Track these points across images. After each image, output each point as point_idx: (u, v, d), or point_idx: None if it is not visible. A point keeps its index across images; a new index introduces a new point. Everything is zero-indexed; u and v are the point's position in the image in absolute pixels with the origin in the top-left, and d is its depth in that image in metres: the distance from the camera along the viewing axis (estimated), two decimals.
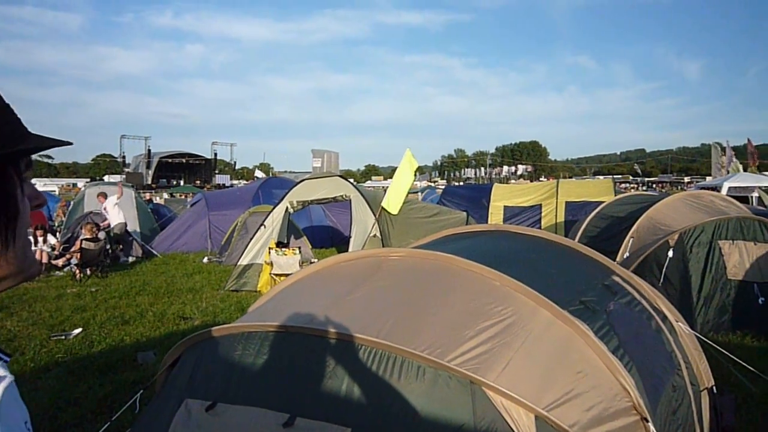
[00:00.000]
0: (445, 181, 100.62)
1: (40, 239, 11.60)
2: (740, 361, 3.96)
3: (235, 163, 75.93)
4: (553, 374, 2.14)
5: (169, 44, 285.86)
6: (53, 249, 11.80)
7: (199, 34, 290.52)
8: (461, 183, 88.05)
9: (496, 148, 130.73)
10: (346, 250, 10.65)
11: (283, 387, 2.10)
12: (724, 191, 20.70)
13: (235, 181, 62.17)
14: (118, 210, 12.81)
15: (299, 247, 9.90)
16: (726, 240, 7.11)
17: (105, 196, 12.91)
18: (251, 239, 10.25)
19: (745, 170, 39.28)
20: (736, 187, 21.77)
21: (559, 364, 2.22)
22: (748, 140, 48.33)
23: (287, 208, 10.37)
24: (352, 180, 12.11)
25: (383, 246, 9.71)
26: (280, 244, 10.69)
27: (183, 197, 34.25)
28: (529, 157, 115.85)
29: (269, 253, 9.48)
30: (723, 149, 45.20)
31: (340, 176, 11.00)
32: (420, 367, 1.99)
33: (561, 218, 12.63)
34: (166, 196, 37.07)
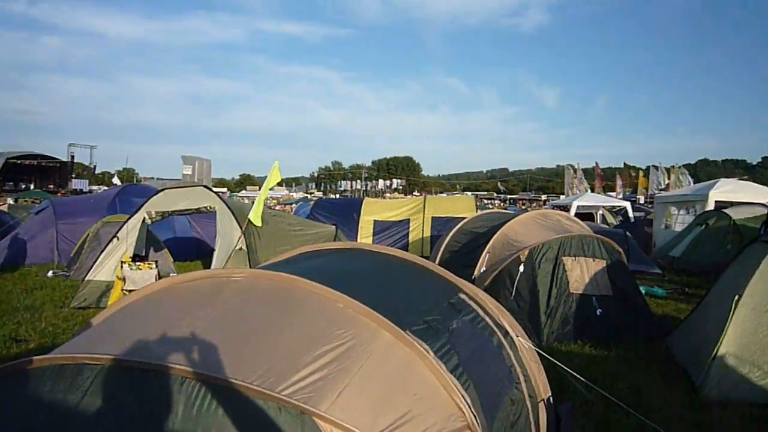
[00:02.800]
0: (321, 192, 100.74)
1: None
2: (572, 372, 4.25)
3: (94, 167, 70.41)
4: (389, 399, 2.13)
5: (20, 34, 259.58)
6: None
7: (57, 25, 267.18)
8: (337, 195, 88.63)
9: (372, 162, 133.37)
10: (210, 264, 10.19)
11: (96, 428, 1.88)
12: (573, 209, 22.68)
13: (94, 187, 57.62)
14: None
15: (156, 261, 9.28)
16: (569, 256, 7.72)
17: None
18: (102, 252, 9.46)
19: (592, 191, 43.45)
20: (583, 206, 23.94)
21: (397, 387, 2.21)
22: (596, 164, 53.49)
23: (144, 218, 9.71)
24: (225, 189, 11.66)
25: (249, 259, 9.41)
26: (136, 258, 9.98)
27: (31, 203, 31.06)
28: (404, 172, 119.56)
29: (122, 267, 8.79)
30: (575, 171, 49.67)
31: (204, 186, 10.52)
32: (249, 400, 1.88)
33: (428, 233, 13.07)
34: (10, 201, 33.38)
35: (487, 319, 3.48)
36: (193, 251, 14.54)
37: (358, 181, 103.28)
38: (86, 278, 9.24)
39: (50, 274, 11.87)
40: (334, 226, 11.02)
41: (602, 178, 52.15)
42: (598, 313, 7.48)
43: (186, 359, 1.98)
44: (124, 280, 8.67)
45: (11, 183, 54.57)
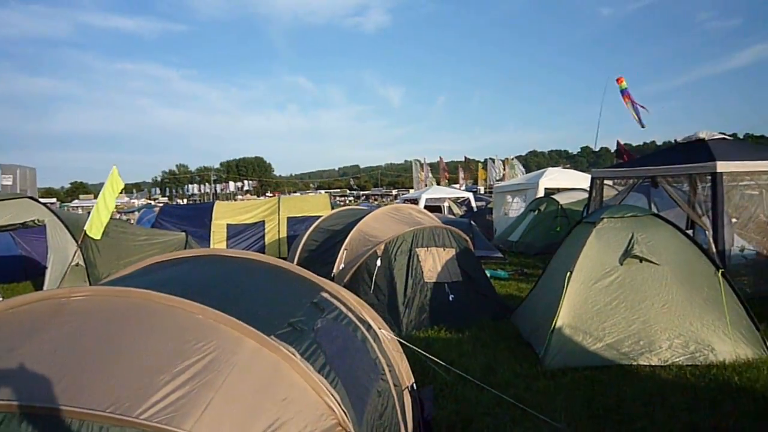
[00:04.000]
0: (167, 198, 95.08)
1: None
2: (431, 357, 4.46)
3: None
4: (257, 408, 2.07)
5: None
6: None
7: None
8: (186, 200, 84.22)
9: (221, 164, 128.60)
10: (43, 283, 9.15)
11: None
12: (422, 202, 23.74)
13: None
14: None
15: None
16: (422, 247, 8.08)
17: None
18: None
19: (438, 184, 45.83)
20: (431, 198, 25.16)
21: (265, 395, 2.16)
22: (440, 158, 56.49)
23: None
24: (54, 200, 10.51)
25: (88, 275, 8.61)
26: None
27: None
28: (255, 173, 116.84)
29: None
30: (421, 165, 52.01)
31: (29, 197, 9.42)
32: (104, 428, 1.72)
33: (284, 233, 12.91)
34: None
35: (350, 315, 3.53)
36: (21, 271, 12.99)
37: (207, 184, 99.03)
38: None
39: None
40: (183, 233, 10.46)
41: (447, 172, 55.23)
42: (450, 299, 7.92)
43: (21, 393, 1.76)
44: None
45: None
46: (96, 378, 1.89)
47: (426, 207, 23.35)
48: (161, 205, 36.77)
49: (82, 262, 8.69)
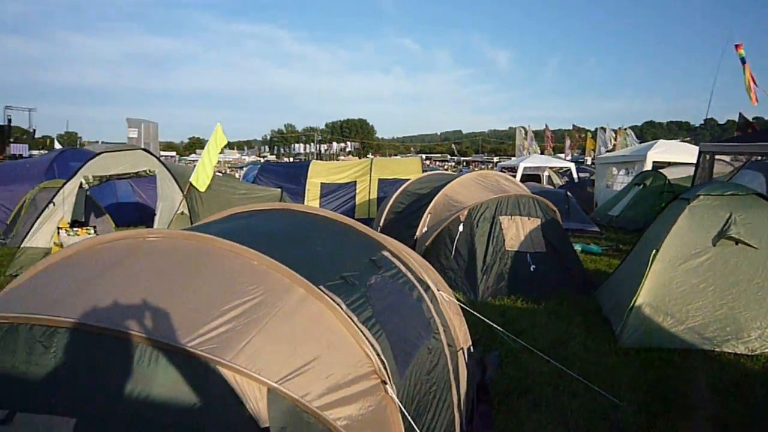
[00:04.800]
0: (274, 156, 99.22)
1: None
2: (493, 324, 4.49)
3: (34, 130, 67.07)
4: (297, 348, 2.25)
5: None
6: None
7: None
8: (291, 158, 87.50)
9: (326, 125, 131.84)
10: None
11: (4, 382, 1.94)
12: (520, 171, 23.19)
13: (35, 152, 55.02)
14: None
15: (94, 227, 9.13)
16: (505, 215, 8.00)
17: None
18: (38, 218, 9.22)
19: (542, 152, 44.31)
20: (530, 167, 24.49)
21: (306, 337, 2.34)
22: (546, 126, 54.36)
23: (81, 183, 9.48)
24: (173, 153, 11.40)
25: (191, 224, 9.34)
26: (75, 224, 9.79)
27: None
28: (358, 135, 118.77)
29: (58, 233, 8.60)
30: (525, 133, 50.44)
31: (143, 149, 10.29)
32: (156, 351, 1.97)
33: (374, 195, 13.19)
34: None
35: (409, 274, 3.64)
36: (137, 216, 14.28)
37: (312, 144, 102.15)
38: (22, 245, 9.01)
39: None
40: (279, 190, 11.00)
41: (552, 140, 53.17)
42: (531, 269, 7.81)
43: (95, 316, 2.04)
44: (61, 246, 8.51)
45: None
46: (156, 308, 2.15)
47: (524, 176, 22.80)
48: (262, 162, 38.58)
49: (186, 211, 9.41)
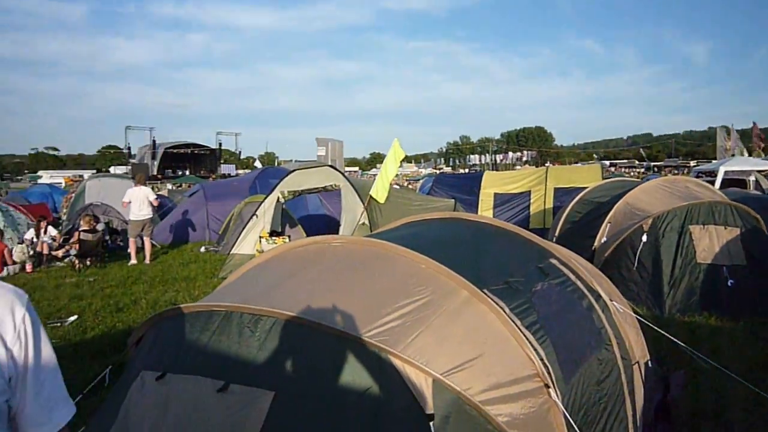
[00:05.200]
0: (450, 168, 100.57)
1: (42, 231, 11.96)
2: (676, 340, 4.19)
3: (240, 152, 76.12)
4: (459, 346, 2.41)
5: (171, 34, 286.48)
6: (53, 240, 12.15)
7: (201, 22, 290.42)
8: (466, 170, 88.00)
9: (501, 134, 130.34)
10: None
11: (221, 358, 2.38)
12: (719, 176, 20.81)
13: (240, 171, 62.34)
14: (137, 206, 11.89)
15: (289, 236, 10.20)
16: (697, 225, 7.33)
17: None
18: (244, 228, 10.56)
19: (750, 154, 39.15)
20: (732, 171, 21.84)
21: (468, 336, 2.49)
22: (754, 123, 47.97)
23: (278, 198, 10.66)
24: (356, 168, 12.32)
25: (371, 232, 9.99)
26: (273, 233, 11.00)
27: (188, 187, 34.61)
28: (535, 143, 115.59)
29: (260, 242, 9.78)
30: (728, 132, 45.02)
31: (330, 166, 11.26)
32: (337, 340, 2.27)
33: (549, 204, 12.85)
34: (169, 186, 37.42)
35: (579, 283, 3.60)
36: (324, 227, 15.53)
37: (487, 154, 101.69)
38: (231, 252, 10.39)
39: (203, 249, 13.41)
40: (453, 200, 11.28)
41: (762, 140, 46.76)
42: (728, 284, 7.06)
43: (289, 307, 2.41)
44: (262, 252, 9.66)
45: (169, 170, 60.82)
46: (338, 303, 2.46)
47: (725, 181, 20.41)
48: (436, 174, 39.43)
49: (367, 221, 10.10)
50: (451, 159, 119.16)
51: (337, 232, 10.50)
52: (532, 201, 13.10)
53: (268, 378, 2.24)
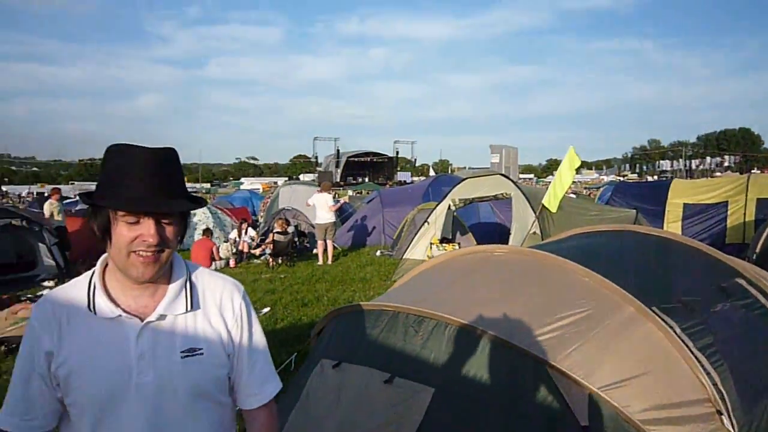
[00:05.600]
0: (636, 174, 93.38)
1: (243, 232, 13.61)
2: None
3: (415, 160, 78.67)
4: (621, 362, 2.37)
5: (354, 50, 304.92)
6: (252, 240, 13.74)
7: (382, 37, 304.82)
8: (655, 177, 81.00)
9: (698, 137, 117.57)
10: None
11: (387, 353, 2.63)
12: None
13: (415, 178, 64.32)
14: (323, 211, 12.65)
15: (459, 243, 10.40)
16: None
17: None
18: (416, 234, 10.99)
19: None
20: None
21: (630, 354, 2.43)
22: None
23: (450, 205, 10.92)
24: (532, 176, 12.20)
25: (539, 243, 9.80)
26: (444, 240, 11.30)
27: (367, 194, 36.67)
28: (738, 146, 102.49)
29: (431, 248, 10.11)
30: None
31: (501, 174, 11.25)
32: (494, 346, 2.38)
33: (750, 217, 11.40)
34: (350, 193, 39.92)
35: None
36: (496, 235, 15.44)
37: (680, 160, 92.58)
38: (403, 257, 10.87)
39: (378, 253, 14.17)
40: (634, 211, 10.58)
41: None
42: None
43: (450, 311, 2.58)
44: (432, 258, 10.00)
45: (350, 177, 64.85)
46: (497, 310, 2.57)
47: None
48: (631, 182, 36.83)
49: (538, 231, 9.91)
50: (637, 165, 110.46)
51: (507, 241, 10.46)
52: (729, 213, 11.73)
53: (429, 375, 2.43)
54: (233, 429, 1.55)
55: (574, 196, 14.63)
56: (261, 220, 19.12)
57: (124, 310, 1.34)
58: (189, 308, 1.40)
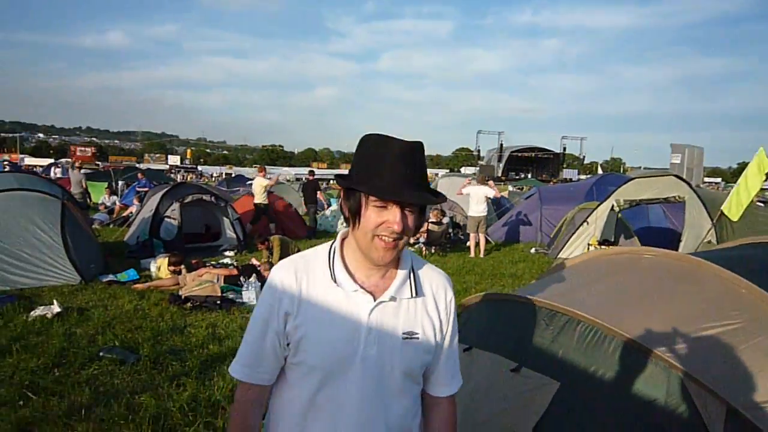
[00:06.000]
0: None
1: None
2: None
3: (583, 157, 74.75)
4: (766, 383, 2.17)
5: (525, 42, 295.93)
6: None
7: (556, 28, 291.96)
8: None
9: None
10: None
11: (517, 343, 2.67)
12: None
13: (582, 176, 61.19)
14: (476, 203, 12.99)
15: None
16: None
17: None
18: (573, 234, 10.57)
19: None
20: None
21: None
22: None
23: (613, 206, 10.33)
24: (719, 180, 11.13)
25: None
26: (605, 242, 10.74)
27: (528, 190, 35.71)
28: None
29: (588, 249, 9.66)
30: None
31: (675, 176, 10.37)
32: (627, 347, 2.31)
33: None
34: (510, 188, 39.16)
35: None
36: (665, 241, 14.21)
37: None
38: (558, 255, 10.52)
39: (533, 250, 13.83)
40: None
41: None
42: None
43: (583, 309, 2.54)
44: None
45: (513, 173, 63.47)
46: (635, 313, 2.48)
47: None
48: None
49: (714, 240, 9.03)
50: None
51: (677, 249, 9.64)
52: None
53: (556, 369, 2.43)
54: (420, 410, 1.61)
55: (762, 204, 12.99)
56: None
57: (361, 286, 1.44)
58: (414, 294, 1.48)
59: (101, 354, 5.23)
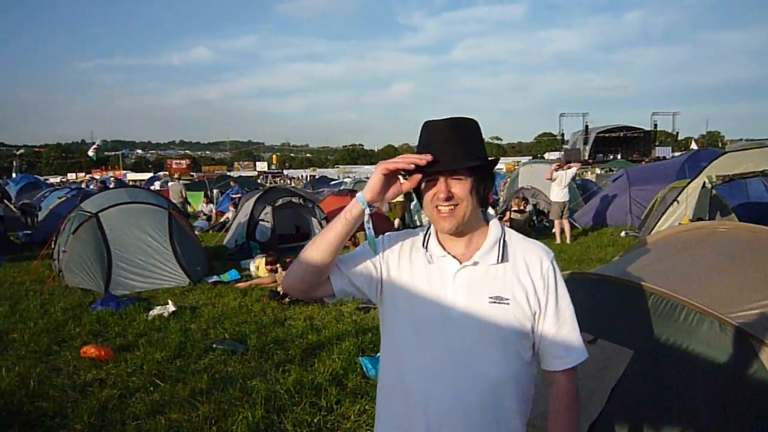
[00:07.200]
0: None
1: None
2: None
3: (677, 133, 70.64)
4: None
5: (605, 16, 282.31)
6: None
7: None
8: None
9: None
10: None
11: (593, 315, 2.83)
12: None
13: (676, 153, 57.87)
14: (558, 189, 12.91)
15: None
16: None
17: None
18: (663, 214, 10.26)
19: None
20: None
21: None
22: None
23: (705, 182, 9.93)
24: None
25: None
26: (698, 221, 10.34)
27: (616, 171, 34.40)
28: None
29: None
30: None
31: None
32: (700, 316, 2.43)
33: None
34: (598, 171, 37.85)
35: None
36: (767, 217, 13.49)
37: None
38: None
39: (623, 234, 13.48)
40: None
41: None
42: None
43: (654, 281, 2.67)
44: None
45: (600, 155, 60.95)
46: (706, 282, 2.59)
47: None
48: None
49: None
50: None
51: None
52: None
53: (629, 338, 2.59)
54: (531, 389, 1.64)
55: None
56: (501, 199, 19.53)
57: (448, 253, 1.60)
58: (500, 260, 1.57)
59: (214, 346, 5.82)
